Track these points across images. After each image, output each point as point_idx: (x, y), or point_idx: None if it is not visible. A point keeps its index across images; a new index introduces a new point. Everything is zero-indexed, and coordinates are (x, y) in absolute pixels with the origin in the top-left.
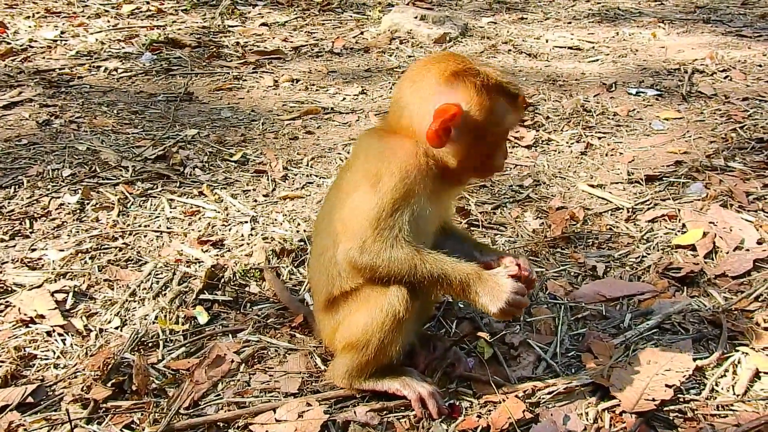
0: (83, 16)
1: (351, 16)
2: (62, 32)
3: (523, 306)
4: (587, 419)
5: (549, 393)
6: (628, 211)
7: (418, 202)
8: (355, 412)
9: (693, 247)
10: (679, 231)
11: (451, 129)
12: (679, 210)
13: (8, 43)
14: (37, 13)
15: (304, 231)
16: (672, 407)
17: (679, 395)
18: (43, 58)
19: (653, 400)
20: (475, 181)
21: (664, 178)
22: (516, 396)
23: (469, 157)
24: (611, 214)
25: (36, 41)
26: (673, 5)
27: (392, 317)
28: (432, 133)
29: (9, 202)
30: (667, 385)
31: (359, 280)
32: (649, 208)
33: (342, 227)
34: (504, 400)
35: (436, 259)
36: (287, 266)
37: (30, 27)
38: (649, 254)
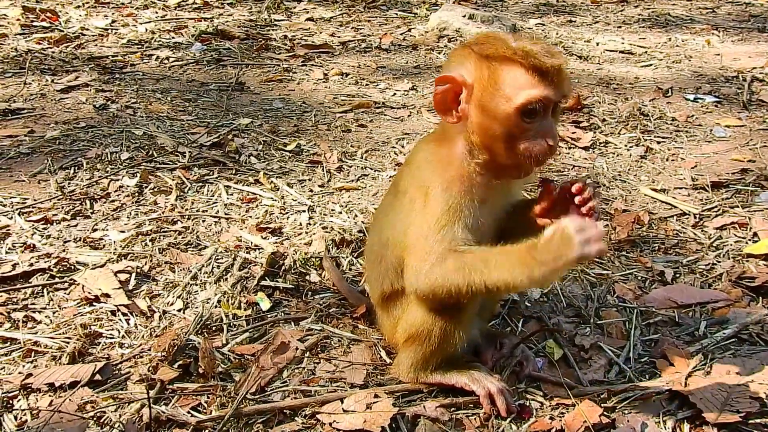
0: (132, 7)
1: (396, 14)
2: (113, 21)
3: (599, 239)
4: (665, 428)
5: (625, 399)
6: (695, 217)
7: (468, 213)
8: (424, 407)
9: (766, 257)
10: (750, 240)
11: (461, 103)
12: (749, 218)
13: (61, 31)
14: (87, 3)
15: (362, 222)
16: (757, 421)
17: (764, 408)
18: (96, 45)
19: (738, 412)
20: (521, 174)
21: (730, 186)
22: (590, 399)
23: (486, 136)
24: (677, 220)
25: (87, 29)
26: (726, 13)
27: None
28: (435, 104)
29: (69, 183)
30: (752, 397)
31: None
32: (717, 215)
33: (403, 243)
34: (577, 404)
35: (486, 256)
36: (347, 257)
37: (81, 16)
38: (719, 262)
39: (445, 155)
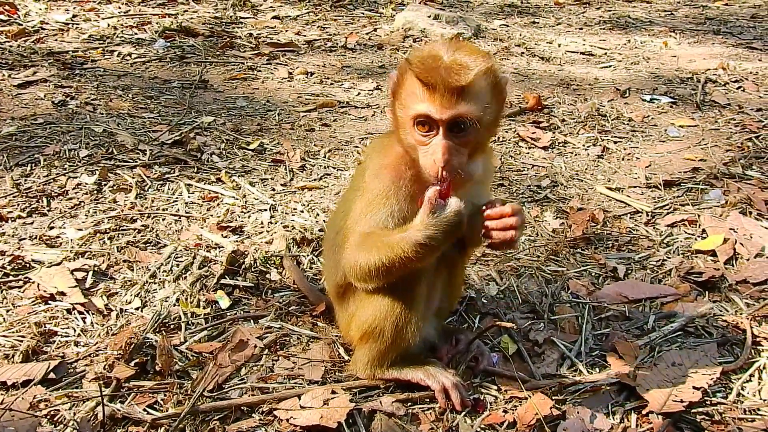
0: (94, 2)
1: (363, 13)
2: (74, 16)
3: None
4: (614, 418)
5: (575, 391)
6: (648, 215)
7: (396, 202)
8: (380, 402)
9: (713, 253)
10: (699, 236)
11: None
12: (698, 216)
13: (20, 24)
14: None
15: (324, 221)
16: (699, 409)
17: (706, 398)
18: (56, 40)
19: (681, 401)
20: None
21: (682, 184)
22: (542, 392)
23: (399, 136)
24: (630, 217)
25: (48, 23)
26: (683, 16)
27: (400, 297)
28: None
29: (26, 180)
30: (694, 387)
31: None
32: (668, 213)
33: (345, 229)
34: (530, 397)
35: (390, 237)
36: (308, 255)
37: (41, 10)
38: (669, 258)
39: (388, 144)
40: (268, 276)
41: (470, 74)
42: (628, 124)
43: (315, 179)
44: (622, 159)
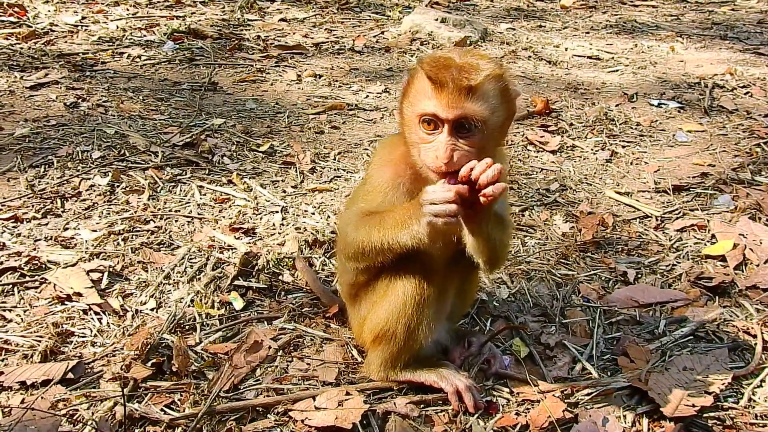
0: (102, 4)
1: (370, 16)
2: (82, 18)
3: (447, 213)
4: (626, 422)
5: (587, 394)
6: (657, 220)
7: (393, 197)
8: (395, 404)
9: (723, 258)
10: (708, 241)
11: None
12: (708, 221)
13: (29, 26)
14: None
15: (335, 223)
16: (711, 414)
17: (717, 403)
18: (66, 42)
19: (693, 406)
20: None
21: (691, 189)
22: (554, 395)
23: (404, 134)
24: (640, 222)
25: (57, 25)
26: (690, 21)
27: (411, 299)
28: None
29: (40, 181)
30: (706, 392)
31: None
32: (677, 218)
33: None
34: (542, 399)
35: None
36: (320, 257)
37: (50, 12)
38: (679, 263)
39: (394, 143)
40: (281, 277)
41: (480, 75)
42: (636, 128)
43: (325, 181)
44: (631, 163)
